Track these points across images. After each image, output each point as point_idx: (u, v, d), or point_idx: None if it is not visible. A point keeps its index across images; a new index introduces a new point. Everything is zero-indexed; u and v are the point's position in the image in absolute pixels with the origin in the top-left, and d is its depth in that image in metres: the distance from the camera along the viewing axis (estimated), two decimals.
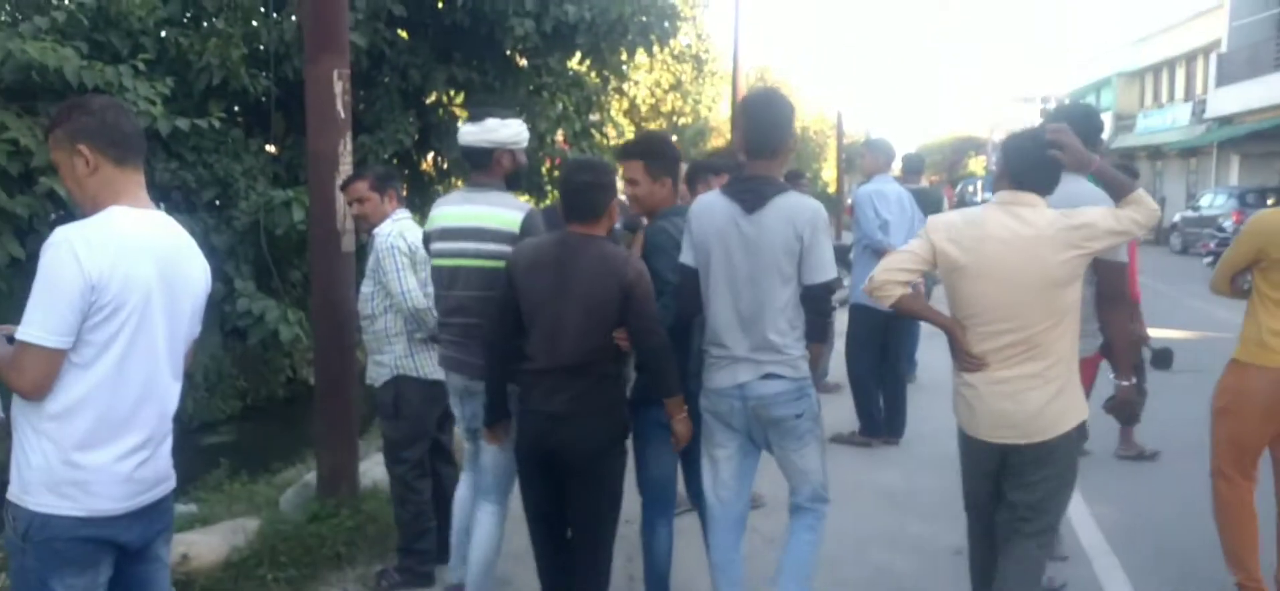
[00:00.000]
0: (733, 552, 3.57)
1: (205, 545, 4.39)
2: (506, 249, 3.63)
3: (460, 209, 3.85)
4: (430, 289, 4.14)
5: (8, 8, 8.96)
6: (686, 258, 3.47)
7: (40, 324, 2.27)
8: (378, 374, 4.35)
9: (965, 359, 3.25)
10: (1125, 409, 3.74)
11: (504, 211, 3.74)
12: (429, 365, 4.26)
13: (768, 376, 3.35)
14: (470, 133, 3.83)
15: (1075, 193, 3.49)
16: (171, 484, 2.64)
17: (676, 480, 3.91)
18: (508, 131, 3.84)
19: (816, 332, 3.46)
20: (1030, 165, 3.21)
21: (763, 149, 3.41)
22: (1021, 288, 3.12)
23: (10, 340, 2.37)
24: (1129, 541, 4.88)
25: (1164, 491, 5.70)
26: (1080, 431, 3.31)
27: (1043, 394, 3.17)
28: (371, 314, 4.30)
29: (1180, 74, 37.69)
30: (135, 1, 8.85)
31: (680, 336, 3.52)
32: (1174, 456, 6.43)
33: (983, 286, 3.17)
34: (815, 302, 3.41)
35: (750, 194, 3.34)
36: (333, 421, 5.00)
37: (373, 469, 5.29)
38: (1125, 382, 3.61)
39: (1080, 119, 3.77)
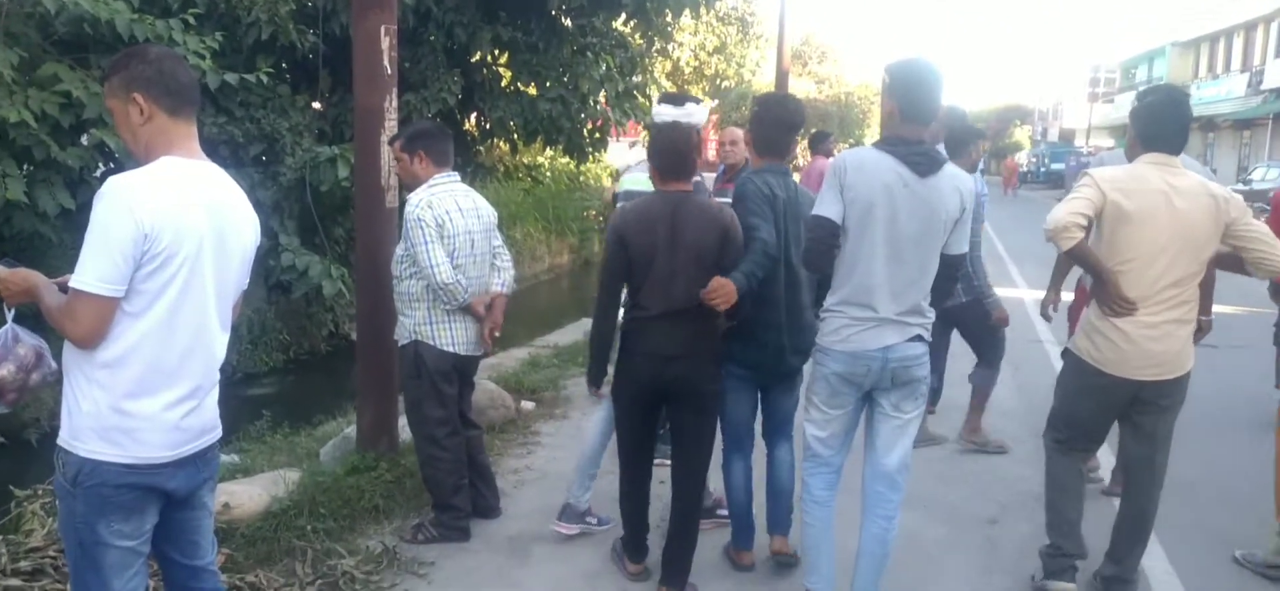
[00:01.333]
0: (833, 492, 3.63)
1: (246, 494, 4.46)
2: None
3: (642, 175, 4.27)
4: (461, 259, 4.19)
5: None
6: (829, 211, 3.31)
7: (94, 272, 2.28)
8: (400, 333, 4.38)
9: (1119, 303, 3.57)
10: (1199, 336, 4.20)
11: None
12: (447, 336, 4.27)
13: (914, 339, 3.38)
14: (671, 113, 4.26)
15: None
16: (218, 433, 2.67)
17: (753, 422, 4.14)
18: (701, 114, 4.37)
19: (942, 300, 3.55)
20: (1162, 130, 3.64)
21: (924, 114, 3.37)
22: (1180, 237, 3.51)
23: (64, 290, 2.40)
24: (1168, 517, 4.80)
25: (1205, 468, 5.62)
26: None
27: (1182, 335, 3.63)
28: (398, 275, 4.31)
29: (1238, 43, 36.81)
30: None
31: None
32: (1216, 432, 6.37)
33: (1146, 233, 3.53)
34: (951, 271, 3.47)
35: (923, 158, 3.29)
36: (373, 376, 5.07)
37: None
38: (1204, 318, 4.24)
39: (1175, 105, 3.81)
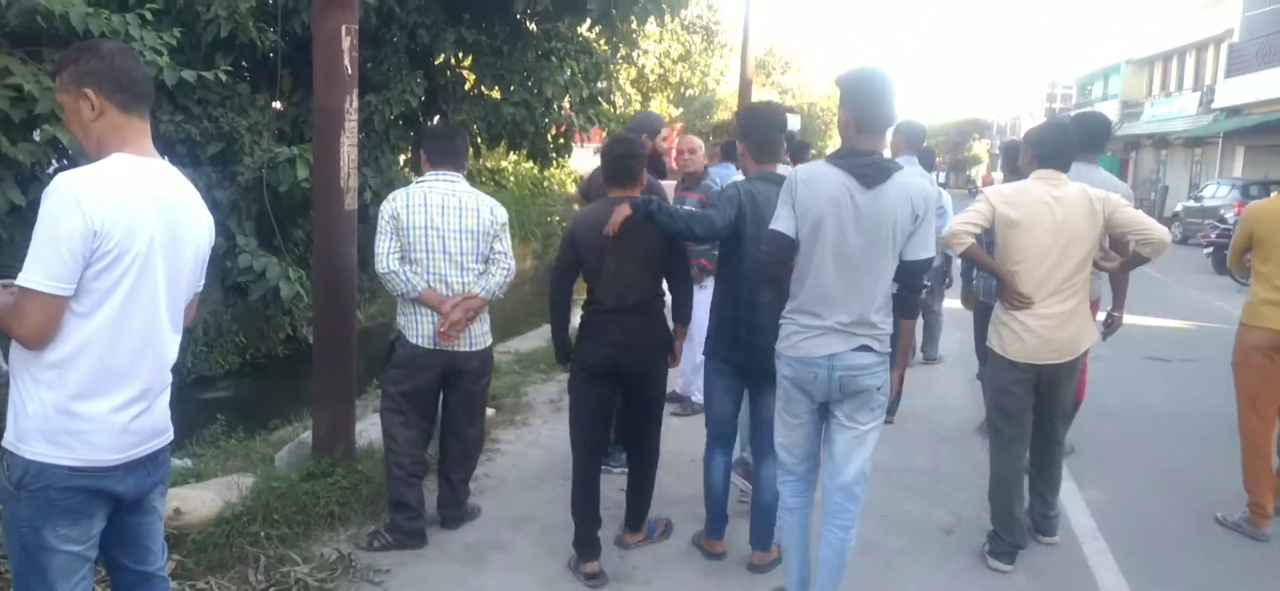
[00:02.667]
0: (803, 500, 3.72)
1: (199, 500, 4.37)
2: None
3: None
4: (418, 254, 4.18)
5: None
6: (784, 226, 3.42)
7: (42, 270, 2.23)
8: None
9: (1016, 299, 4.19)
10: (1112, 330, 5.03)
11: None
12: (413, 329, 4.27)
13: (860, 349, 3.40)
14: None
15: (1088, 176, 4.74)
16: (169, 436, 2.62)
17: (736, 420, 4.29)
18: (795, 123, 4.74)
19: (907, 309, 3.58)
20: (1050, 151, 4.27)
21: (875, 124, 3.41)
22: (1063, 238, 4.12)
23: (10, 289, 2.34)
24: (1118, 525, 4.90)
25: (1154, 477, 5.72)
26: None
27: (1074, 323, 4.21)
28: None
29: (1190, 63, 37.50)
30: None
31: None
32: (1166, 442, 6.48)
33: (1032, 237, 4.14)
34: (911, 278, 3.49)
35: (871, 168, 3.33)
36: (330, 380, 5.00)
37: (369, 429, 5.28)
38: (1117, 313, 4.95)
39: (1097, 125, 4.65)
